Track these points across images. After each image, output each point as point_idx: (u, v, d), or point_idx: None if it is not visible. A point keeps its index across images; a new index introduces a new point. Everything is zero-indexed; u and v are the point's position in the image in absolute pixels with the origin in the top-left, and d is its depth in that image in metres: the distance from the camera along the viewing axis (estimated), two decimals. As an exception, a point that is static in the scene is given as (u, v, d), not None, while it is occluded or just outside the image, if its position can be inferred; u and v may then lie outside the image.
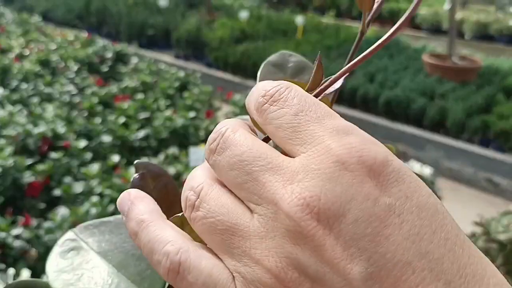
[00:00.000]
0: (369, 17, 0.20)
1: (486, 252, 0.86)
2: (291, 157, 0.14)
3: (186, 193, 0.15)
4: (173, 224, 0.15)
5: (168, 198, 0.18)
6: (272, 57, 0.26)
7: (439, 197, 0.14)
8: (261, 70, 0.25)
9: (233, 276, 0.13)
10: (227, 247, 0.13)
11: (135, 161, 0.19)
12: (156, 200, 0.17)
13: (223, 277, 0.13)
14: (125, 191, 0.17)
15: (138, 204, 0.16)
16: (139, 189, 0.17)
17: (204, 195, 0.14)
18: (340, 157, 0.13)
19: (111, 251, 0.19)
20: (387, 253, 0.12)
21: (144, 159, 1.76)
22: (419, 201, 0.13)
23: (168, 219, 0.16)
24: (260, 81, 0.25)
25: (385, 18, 6.24)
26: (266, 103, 0.15)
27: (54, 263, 0.18)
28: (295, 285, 0.12)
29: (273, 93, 0.15)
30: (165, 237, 0.14)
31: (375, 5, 0.19)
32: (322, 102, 0.15)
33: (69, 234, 0.20)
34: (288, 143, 0.14)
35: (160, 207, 0.16)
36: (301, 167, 0.13)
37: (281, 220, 0.13)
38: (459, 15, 5.08)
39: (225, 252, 0.14)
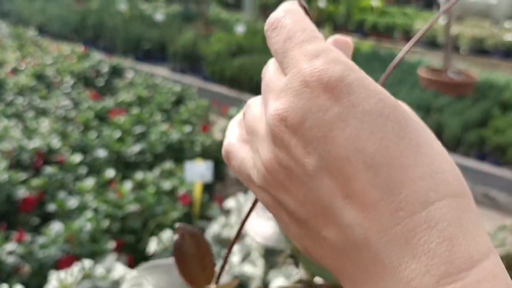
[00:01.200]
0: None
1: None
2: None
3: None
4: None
5: (201, 251, 0.24)
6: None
7: None
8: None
9: (254, 164, 0.19)
10: (251, 144, 0.19)
11: (176, 225, 0.24)
12: (192, 253, 0.23)
13: (249, 164, 0.19)
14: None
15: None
16: (178, 247, 0.23)
17: (246, 109, 0.21)
18: (304, 77, 0.16)
19: (165, 287, 0.25)
20: (331, 150, 0.15)
21: (140, 173, 1.75)
22: (364, 108, 0.15)
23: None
24: None
25: (381, 32, 6.33)
26: (268, 30, 0.19)
27: None
28: (276, 174, 0.17)
29: (273, 21, 0.19)
30: (229, 132, 0.22)
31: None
32: (310, 25, 0.18)
33: (134, 273, 0.26)
34: (281, 66, 0.18)
35: (195, 258, 0.23)
36: (283, 86, 0.17)
37: (267, 128, 0.17)
38: (454, 29, 5.16)
39: (251, 147, 0.19)
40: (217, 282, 0.23)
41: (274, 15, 0.19)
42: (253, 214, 0.30)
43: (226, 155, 0.21)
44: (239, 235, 0.25)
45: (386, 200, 0.15)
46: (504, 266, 0.15)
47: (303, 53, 0.17)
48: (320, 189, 0.16)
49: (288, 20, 0.19)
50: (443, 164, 0.16)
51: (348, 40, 0.21)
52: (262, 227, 0.30)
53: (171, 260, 0.25)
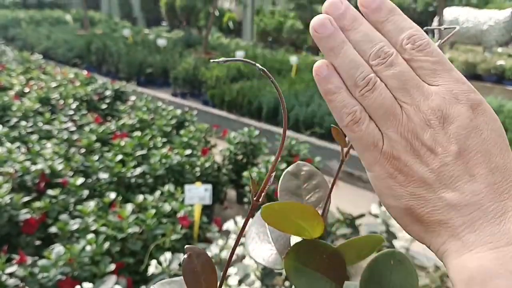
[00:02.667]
0: (345, 150, 0.31)
1: None
2: (429, 84, 0.25)
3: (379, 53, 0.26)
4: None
5: (206, 269, 0.27)
6: (290, 168, 0.35)
7: None
8: (282, 177, 0.34)
9: (382, 135, 0.25)
10: (384, 118, 0.25)
11: (186, 246, 0.28)
12: (198, 270, 0.27)
13: (377, 133, 0.25)
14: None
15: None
16: (186, 265, 0.27)
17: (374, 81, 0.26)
18: (456, 94, 0.24)
19: None
20: (470, 144, 0.24)
21: (140, 195, 1.79)
22: (492, 127, 0.24)
23: None
24: (281, 186, 0.33)
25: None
26: (417, 46, 0.25)
27: None
28: (417, 150, 0.24)
29: (423, 41, 0.25)
30: (350, 103, 0.26)
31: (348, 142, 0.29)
32: (447, 59, 0.26)
33: None
34: (428, 78, 0.25)
35: (201, 275, 0.27)
36: (435, 92, 0.24)
37: (419, 115, 0.24)
38: (447, 55, 5.30)
39: (382, 120, 0.25)
40: None
41: (423, 35, 0.26)
42: (255, 237, 0.33)
43: (353, 121, 0.25)
44: (235, 249, 0.29)
45: (500, 183, 0.23)
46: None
47: (453, 77, 0.25)
48: (454, 167, 0.23)
49: (434, 47, 0.25)
50: None
51: None
52: (262, 250, 0.33)
53: (182, 278, 0.29)
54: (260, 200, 0.27)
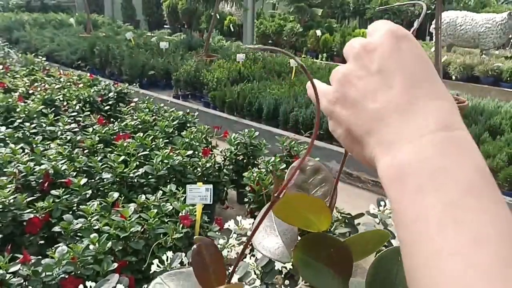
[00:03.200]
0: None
1: None
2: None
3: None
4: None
5: (214, 259, 0.28)
6: (295, 163, 0.35)
7: None
8: (288, 171, 0.34)
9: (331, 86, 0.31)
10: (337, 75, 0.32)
11: (195, 237, 0.30)
12: (206, 260, 0.28)
13: (328, 88, 0.31)
14: None
15: None
16: (195, 255, 0.28)
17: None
18: (383, 29, 0.30)
19: None
20: (389, 62, 0.29)
21: (142, 197, 1.81)
22: (415, 51, 0.29)
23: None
24: (287, 178, 0.33)
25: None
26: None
27: None
28: (349, 76, 0.30)
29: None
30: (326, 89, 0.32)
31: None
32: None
33: (158, 280, 0.30)
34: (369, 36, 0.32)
35: (209, 265, 0.28)
36: (373, 32, 0.31)
37: (354, 48, 0.31)
38: (445, 57, 5.32)
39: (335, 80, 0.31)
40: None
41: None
42: (261, 231, 0.34)
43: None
44: (249, 242, 0.29)
45: (413, 84, 0.27)
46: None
47: (386, 25, 0.30)
48: (374, 81, 0.28)
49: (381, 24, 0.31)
50: (443, 88, 0.28)
51: None
52: (269, 243, 0.33)
53: (189, 270, 0.30)
54: (280, 196, 0.27)
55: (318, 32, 7.13)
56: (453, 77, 5.36)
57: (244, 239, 1.60)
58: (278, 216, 0.30)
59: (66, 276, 1.38)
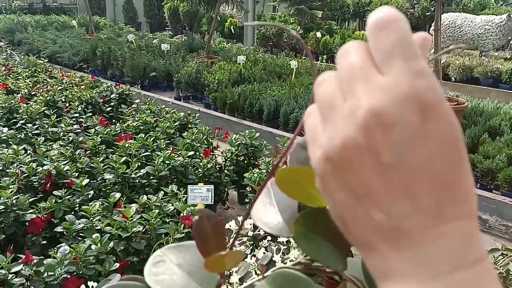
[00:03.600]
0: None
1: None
2: (380, 72, 0.20)
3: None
4: None
5: (215, 231, 0.28)
6: (300, 140, 0.35)
7: None
8: (293, 150, 0.34)
9: (324, 130, 0.22)
10: (324, 112, 0.22)
11: (198, 209, 0.29)
12: (208, 232, 0.28)
13: (319, 129, 0.23)
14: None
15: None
16: (196, 227, 0.27)
17: (321, 82, 0.24)
18: (407, 91, 0.19)
19: (184, 264, 0.30)
20: (409, 157, 0.19)
21: (144, 197, 1.82)
22: (445, 135, 0.20)
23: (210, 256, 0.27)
24: (290, 157, 0.33)
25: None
26: (375, 28, 0.21)
27: (148, 269, 0.29)
28: (349, 152, 0.20)
29: (383, 21, 0.21)
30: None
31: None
32: (414, 41, 0.21)
33: (158, 252, 0.30)
34: (380, 64, 0.20)
35: (210, 237, 0.27)
36: (382, 86, 0.20)
37: (358, 113, 0.20)
38: (444, 59, 5.33)
39: (322, 114, 0.23)
40: None
41: (384, 15, 0.21)
42: (261, 208, 0.33)
43: (306, 115, 0.24)
44: (247, 215, 0.30)
45: (436, 206, 0.19)
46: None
47: (409, 68, 0.19)
48: (386, 181, 0.19)
49: (400, 27, 0.20)
50: (472, 187, 0.21)
51: (427, 37, 0.23)
52: (268, 219, 0.32)
53: (189, 242, 0.30)
54: (279, 164, 0.27)
55: (318, 34, 7.15)
56: (453, 79, 5.37)
57: (245, 239, 1.61)
58: (282, 188, 0.29)
59: (68, 276, 1.39)
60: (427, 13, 7.62)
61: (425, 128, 0.19)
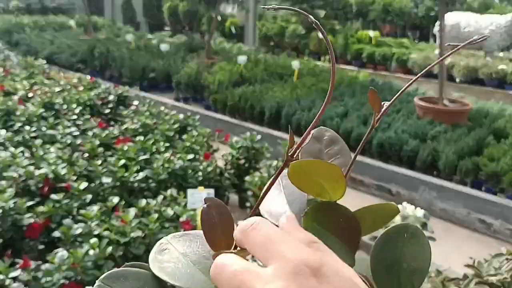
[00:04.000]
0: (378, 116, 0.31)
1: (479, 294, 0.88)
2: (264, 265, 0.23)
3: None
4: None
5: (223, 219, 0.28)
6: (314, 132, 0.35)
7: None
8: (306, 142, 0.33)
9: None
10: None
11: (205, 198, 0.29)
12: (215, 220, 0.28)
13: None
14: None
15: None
16: (205, 216, 0.28)
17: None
18: (292, 268, 0.22)
19: (189, 253, 0.29)
20: None
21: (143, 201, 1.80)
22: (340, 283, 0.22)
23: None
24: (303, 150, 0.32)
25: (379, 63, 6.49)
26: (246, 230, 0.24)
27: (153, 257, 0.29)
28: None
29: (251, 223, 0.24)
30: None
31: (383, 109, 0.31)
32: (281, 231, 0.24)
33: (163, 240, 0.30)
34: (262, 258, 0.23)
35: (218, 225, 0.28)
36: (271, 274, 0.22)
37: None
38: (449, 59, 5.31)
39: None
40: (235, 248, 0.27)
41: (250, 220, 0.25)
42: (270, 200, 0.34)
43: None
44: (257, 207, 0.30)
45: None
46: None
47: (285, 249, 0.23)
48: None
49: (264, 227, 0.25)
50: None
51: (290, 217, 0.27)
52: (276, 210, 0.33)
53: (195, 232, 0.30)
54: (294, 156, 0.27)
55: (320, 35, 7.12)
56: (457, 80, 5.35)
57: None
58: (294, 181, 0.30)
59: (67, 282, 1.37)
60: (431, 13, 7.60)
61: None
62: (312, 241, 0.24)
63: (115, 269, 0.28)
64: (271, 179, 0.30)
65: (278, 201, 0.34)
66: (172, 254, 0.29)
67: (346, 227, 0.31)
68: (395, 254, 0.32)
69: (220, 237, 0.27)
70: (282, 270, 0.22)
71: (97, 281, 0.27)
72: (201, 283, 0.27)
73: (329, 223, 0.30)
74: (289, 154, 0.27)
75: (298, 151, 0.27)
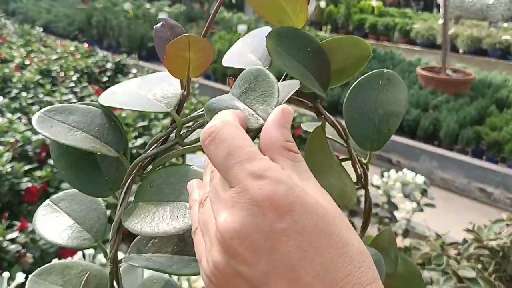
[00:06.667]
0: None
1: (478, 258, 0.88)
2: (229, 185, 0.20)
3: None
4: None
5: (175, 37, 0.27)
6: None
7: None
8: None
9: (206, 253, 0.21)
10: (204, 235, 0.22)
11: (158, 17, 0.28)
12: (167, 39, 0.27)
13: (202, 249, 0.22)
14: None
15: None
16: (160, 35, 0.27)
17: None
18: (252, 196, 0.19)
19: (71, 208, 0.33)
20: (277, 258, 0.19)
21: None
22: (303, 224, 0.19)
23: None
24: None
25: (381, 32, 6.35)
26: (205, 141, 0.21)
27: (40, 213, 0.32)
28: (227, 275, 0.20)
29: (210, 132, 0.21)
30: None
31: None
32: (247, 139, 0.20)
33: (47, 202, 0.33)
34: (225, 178, 0.20)
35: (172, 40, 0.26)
36: (230, 199, 0.20)
37: (218, 234, 0.20)
38: (452, 29, 5.19)
39: (204, 237, 0.22)
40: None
41: (211, 127, 0.21)
42: (234, 53, 0.33)
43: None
44: (210, 24, 0.30)
45: None
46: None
47: (247, 172, 0.19)
48: (270, 286, 0.19)
49: (226, 134, 0.20)
50: (361, 257, 0.20)
51: (290, 111, 0.22)
52: (242, 60, 0.32)
53: (73, 191, 0.32)
54: None
55: (322, 4, 6.94)
56: (460, 50, 5.25)
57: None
58: (254, 6, 0.28)
59: (65, 244, 1.37)
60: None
61: (283, 224, 0.19)
62: (263, 172, 0.20)
63: (63, 104, 0.29)
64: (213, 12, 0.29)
65: (242, 51, 0.32)
66: (56, 213, 0.33)
67: (315, 59, 0.29)
68: (370, 102, 0.31)
69: (176, 58, 0.27)
70: (240, 197, 0.19)
71: (37, 113, 0.27)
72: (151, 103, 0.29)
73: (294, 50, 0.28)
74: None
75: None
